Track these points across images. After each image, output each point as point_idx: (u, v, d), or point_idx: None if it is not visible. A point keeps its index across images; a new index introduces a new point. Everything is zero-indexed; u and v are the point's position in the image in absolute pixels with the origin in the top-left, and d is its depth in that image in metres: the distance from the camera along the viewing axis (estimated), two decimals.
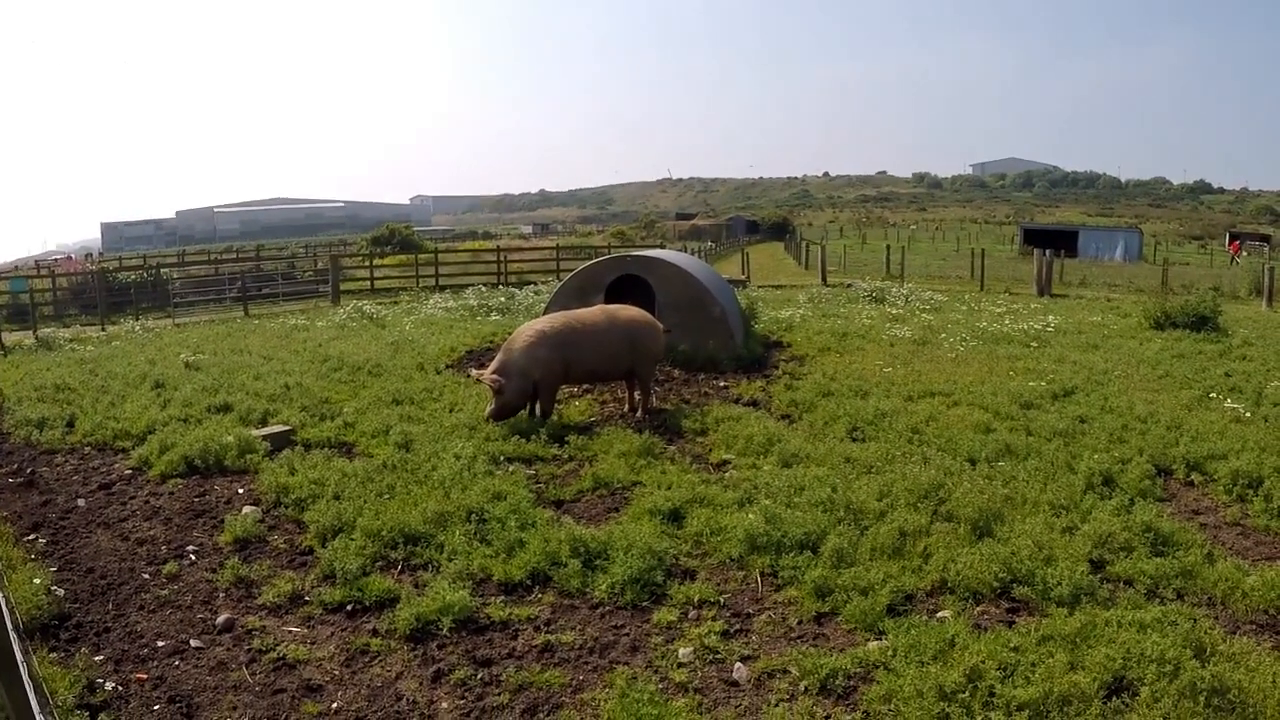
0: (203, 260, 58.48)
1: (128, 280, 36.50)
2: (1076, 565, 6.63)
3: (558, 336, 11.37)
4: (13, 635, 3.47)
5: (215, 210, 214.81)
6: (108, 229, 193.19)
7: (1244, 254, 59.74)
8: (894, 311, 22.60)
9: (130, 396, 13.61)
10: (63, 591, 7.02)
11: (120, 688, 5.67)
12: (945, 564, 6.80)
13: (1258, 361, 15.05)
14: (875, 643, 5.85)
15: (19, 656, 3.39)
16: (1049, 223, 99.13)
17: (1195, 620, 5.83)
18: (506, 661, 5.90)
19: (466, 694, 5.54)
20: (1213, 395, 12.38)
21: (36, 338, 23.59)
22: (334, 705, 5.46)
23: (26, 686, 3.34)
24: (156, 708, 5.45)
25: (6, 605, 5.33)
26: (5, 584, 6.67)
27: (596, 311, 12.20)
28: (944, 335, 18.17)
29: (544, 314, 14.63)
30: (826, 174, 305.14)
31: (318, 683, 5.73)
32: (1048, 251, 33.57)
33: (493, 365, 11.24)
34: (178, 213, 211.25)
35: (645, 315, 12.23)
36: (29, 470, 10.48)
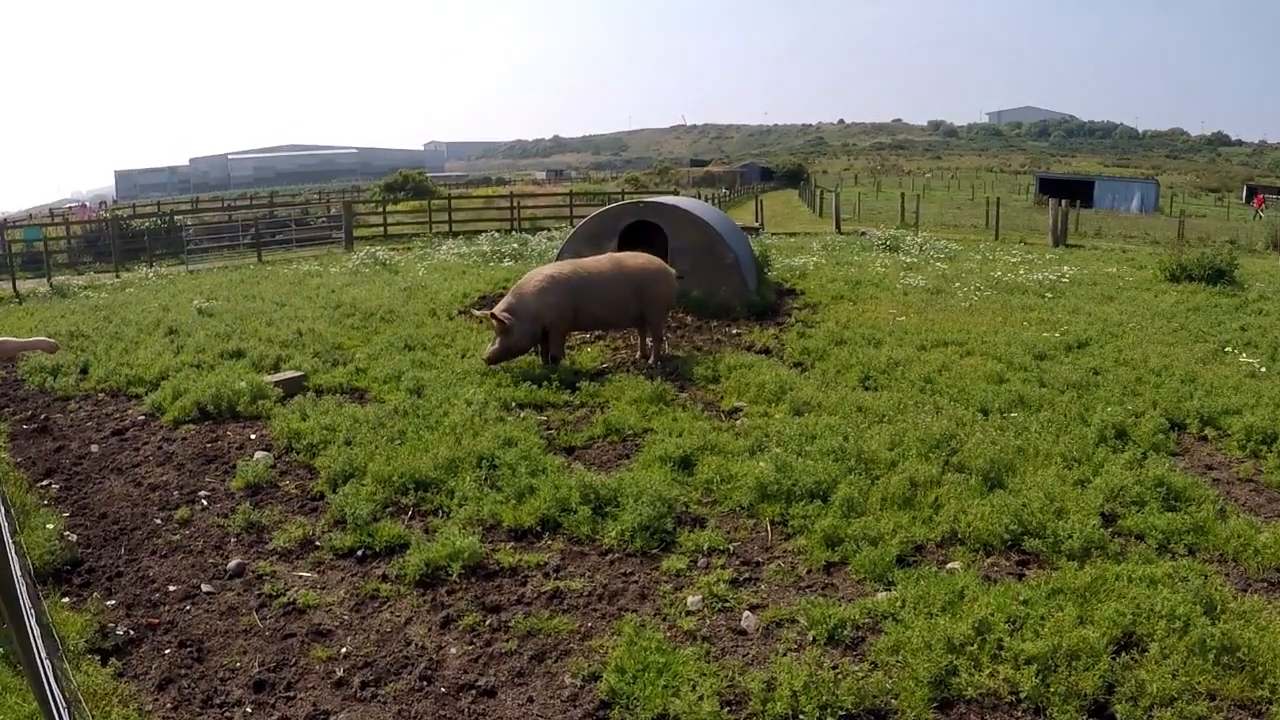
0: (216, 207, 58.41)
1: (141, 227, 36.42)
2: (1088, 518, 6.58)
3: (568, 282, 11.32)
4: (20, 580, 3.46)
5: (229, 157, 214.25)
6: (122, 177, 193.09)
7: (1265, 208, 59.10)
8: (908, 260, 22.44)
9: (144, 343, 13.62)
10: (75, 537, 7.03)
11: (132, 632, 5.69)
12: (956, 515, 6.76)
13: (1274, 316, 14.89)
14: (884, 593, 5.82)
15: (27, 602, 3.37)
16: (1065, 172, 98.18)
17: (1206, 577, 5.78)
18: (515, 608, 5.90)
19: (475, 639, 5.54)
20: (1228, 349, 12.27)
21: (51, 285, 23.63)
22: (343, 650, 5.47)
23: (34, 632, 3.33)
24: (168, 652, 5.47)
25: (18, 550, 5.34)
26: (18, 530, 6.68)
27: (605, 259, 12.11)
28: (958, 284, 18.05)
29: (556, 260, 14.56)
30: (841, 121, 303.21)
31: (327, 627, 5.74)
32: (1063, 202, 33.29)
33: (502, 304, 11.17)
34: (191, 160, 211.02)
35: (655, 262, 12.14)
36: (43, 417, 10.50)
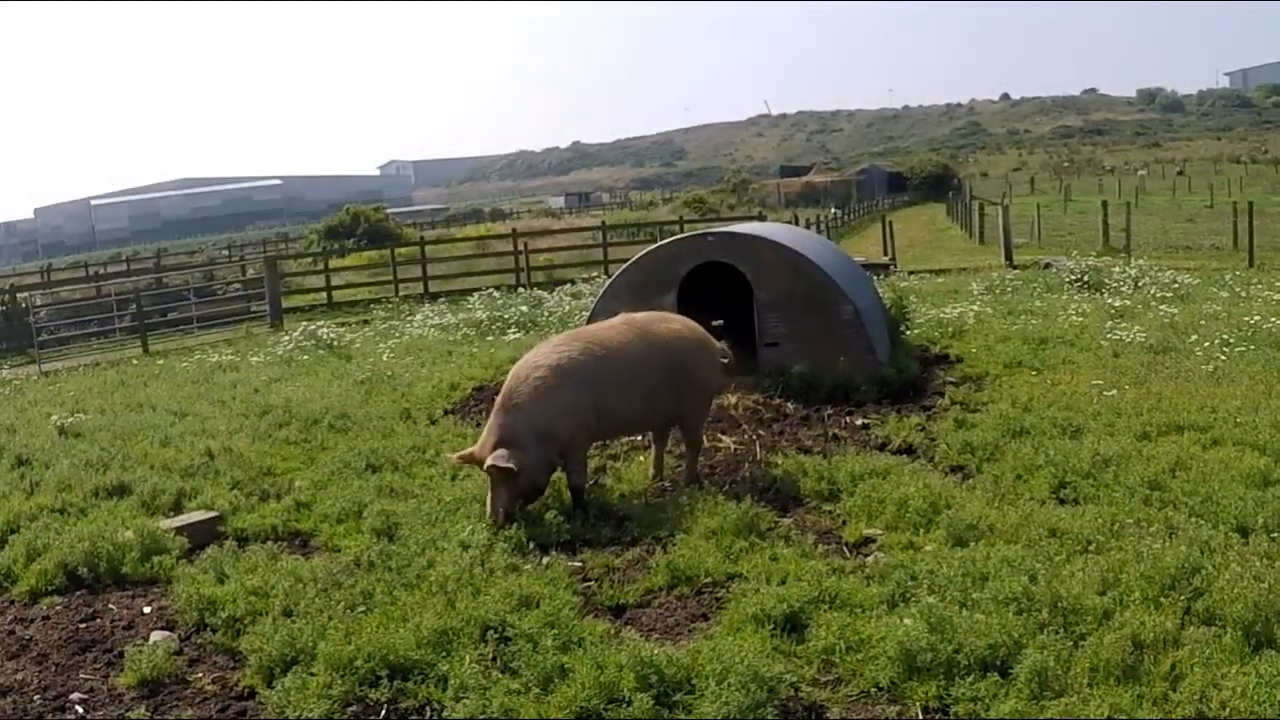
0: (79, 277, 59.15)
1: None
2: None
3: (581, 369, 10.82)
4: None
5: (92, 203, 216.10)
6: None
7: None
8: (1117, 303, 22.37)
9: None
10: None
11: None
12: (1204, 691, 6.69)
13: None
14: None
15: None
16: None
17: None
18: None
19: None
20: None
21: None
22: None
23: None
24: None
25: None
26: None
27: (623, 326, 11.63)
28: (1195, 338, 17.94)
29: (587, 324, 14.59)
30: (1006, 97, 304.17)
31: None
32: None
33: (489, 437, 10.66)
34: (37, 210, 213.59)
35: (692, 326, 12.00)
36: None
